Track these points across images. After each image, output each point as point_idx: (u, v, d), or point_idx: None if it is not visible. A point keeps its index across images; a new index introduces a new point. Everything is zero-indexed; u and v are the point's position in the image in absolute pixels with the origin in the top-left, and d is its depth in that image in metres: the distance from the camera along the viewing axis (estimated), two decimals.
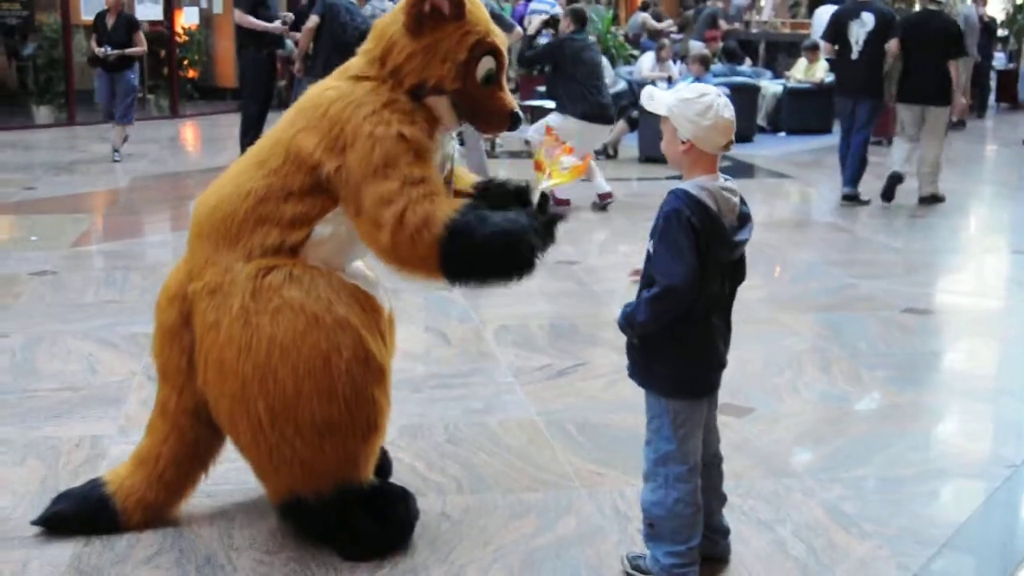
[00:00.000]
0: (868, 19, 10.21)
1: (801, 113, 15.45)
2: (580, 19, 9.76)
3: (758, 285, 7.15)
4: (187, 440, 3.56)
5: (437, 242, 3.17)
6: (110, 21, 12.22)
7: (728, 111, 3.04)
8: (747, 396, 4.97)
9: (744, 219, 3.13)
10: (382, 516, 3.48)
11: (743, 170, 12.47)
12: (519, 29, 9.62)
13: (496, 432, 4.52)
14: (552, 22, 10.64)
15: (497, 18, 8.86)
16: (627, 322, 3.13)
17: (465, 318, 6.19)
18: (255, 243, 3.34)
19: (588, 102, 9.26)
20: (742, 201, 3.14)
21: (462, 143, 9.31)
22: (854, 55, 10.24)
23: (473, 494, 3.95)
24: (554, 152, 3.34)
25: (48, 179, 10.95)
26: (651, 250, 3.07)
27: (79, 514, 3.59)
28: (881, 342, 5.97)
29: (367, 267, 3.72)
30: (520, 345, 5.72)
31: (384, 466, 3.87)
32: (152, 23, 16.93)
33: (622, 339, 5.50)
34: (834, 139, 14.72)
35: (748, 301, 6.57)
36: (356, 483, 3.42)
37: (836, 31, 10.49)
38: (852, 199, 10.29)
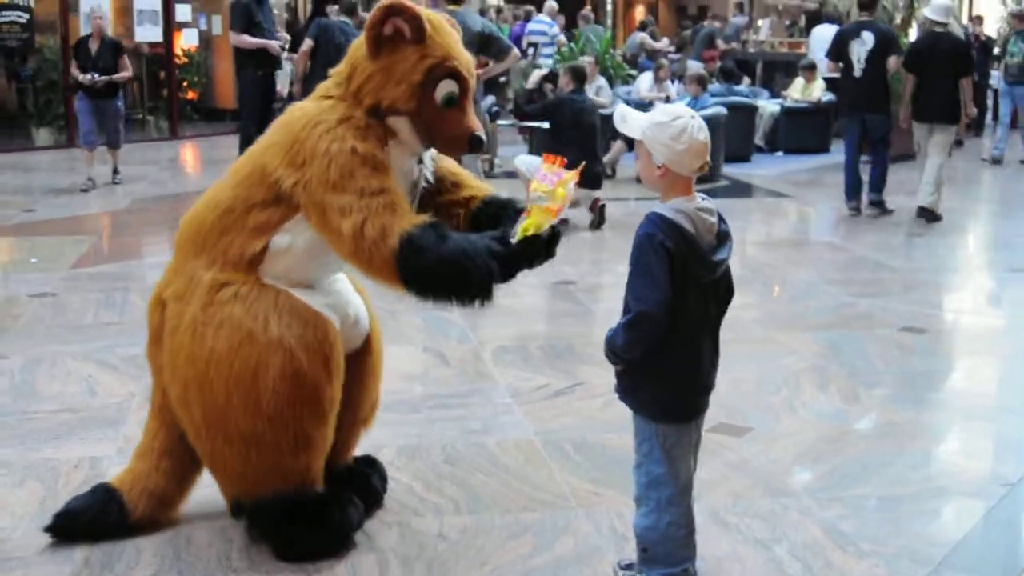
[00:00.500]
0: (868, 38, 10.53)
1: (798, 132, 15.48)
2: (580, 77, 9.82)
3: (756, 304, 7.17)
4: (175, 434, 3.70)
5: (392, 255, 3.25)
6: (94, 46, 11.81)
7: (702, 133, 3.03)
8: (744, 415, 4.98)
9: (723, 238, 3.12)
10: (316, 522, 3.58)
11: (741, 189, 12.50)
12: (516, 52, 9.64)
13: (494, 452, 4.53)
14: (551, 77, 10.69)
15: (495, 40, 8.95)
16: (610, 348, 3.14)
17: (463, 339, 6.20)
18: (218, 251, 3.50)
19: (585, 170, 9.33)
20: (721, 220, 3.13)
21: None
22: (856, 73, 10.60)
23: (470, 514, 3.95)
24: (558, 175, 3.27)
25: (47, 201, 10.97)
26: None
27: (88, 509, 3.70)
28: (879, 361, 5.98)
29: (348, 283, 3.83)
30: (518, 365, 5.73)
31: (368, 484, 3.94)
32: (151, 45, 16.99)
33: None
34: (832, 158, 14.84)
35: (745, 321, 6.60)
36: (290, 492, 3.53)
37: (839, 50, 10.86)
38: (879, 205, 10.75)
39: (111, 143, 12.04)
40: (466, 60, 3.51)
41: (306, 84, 10.48)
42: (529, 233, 3.24)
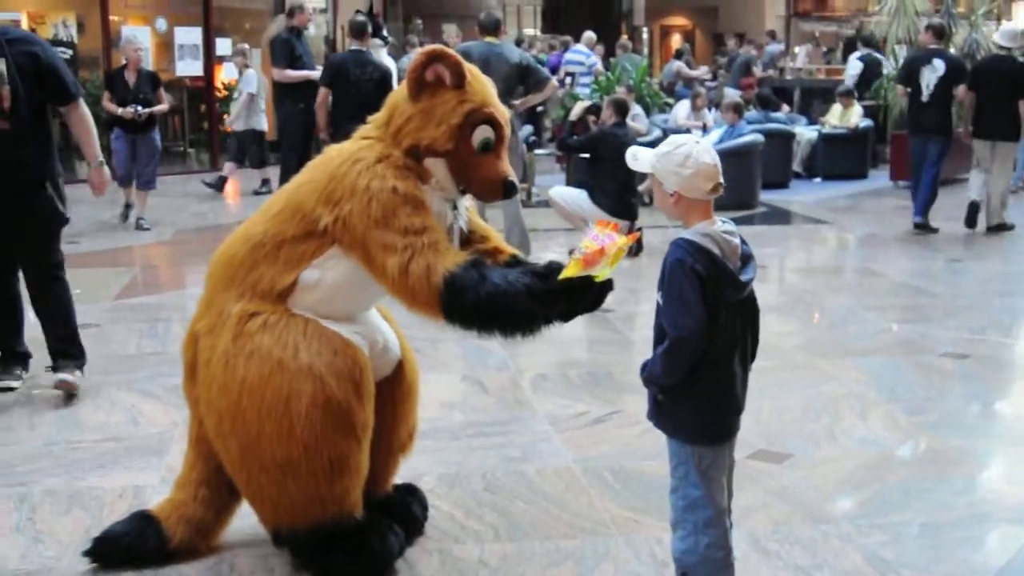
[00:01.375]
0: (939, 65, 11.11)
1: (836, 158, 15.43)
2: (622, 111, 9.87)
3: (796, 331, 7.15)
4: (211, 465, 3.75)
5: (437, 293, 3.32)
6: (131, 78, 11.20)
7: (708, 156, 3.06)
8: (784, 442, 4.97)
9: (746, 259, 3.15)
10: (357, 550, 3.60)
11: (779, 216, 12.47)
12: (554, 82, 9.68)
13: (533, 480, 4.54)
14: (594, 109, 10.70)
15: (533, 70, 9.01)
16: (649, 378, 3.18)
17: (502, 367, 6.22)
18: (247, 285, 3.56)
19: (621, 202, 9.46)
20: (743, 241, 3.16)
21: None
22: (925, 98, 11.12)
23: (511, 542, 3.96)
24: (611, 238, 3.21)
25: (91, 233, 11.08)
26: (660, 302, 3.11)
27: (126, 534, 3.76)
28: (920, 387, 5.95)
29: (379, 315, 3.88)
30: (557, 393, 5.74)
31: (409, 511, 3.97)
32: (192, 78, 17.17)
33: None
34: (870, 184, 14.83)
35: (786, 347, 6.59)
36: (329, 520, 3.55)
37: (909, 75, 11.41)
38: (923, 227, 11.08)
39: (144, 183, 11.36)
40: (502, 110, 3.60)
41: (331, 125, 10.07)
42: (566, 276, 3.26)
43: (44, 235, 5.77)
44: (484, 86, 3.59)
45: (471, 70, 3.56)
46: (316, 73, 11.30)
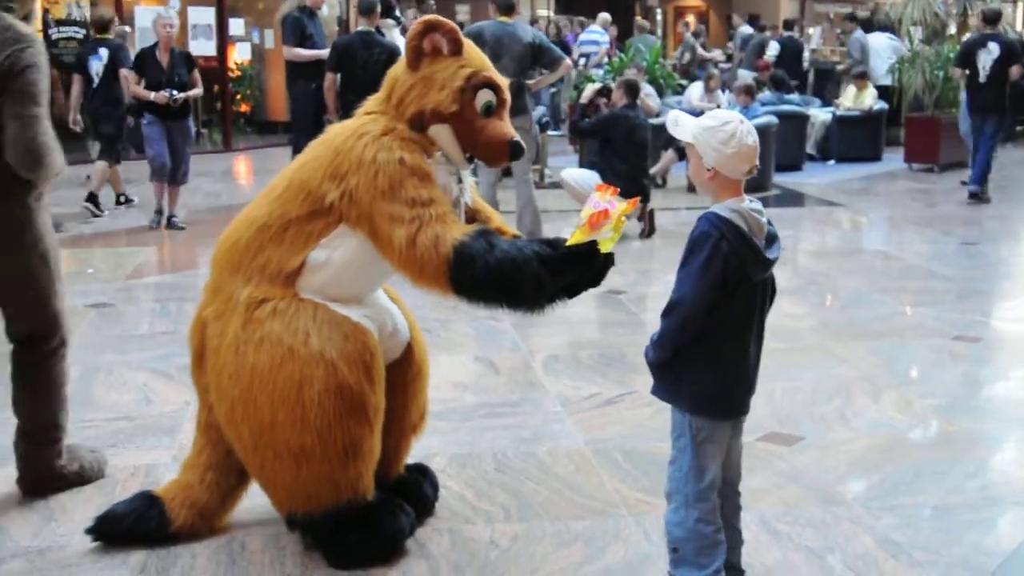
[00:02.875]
0: (994, 48, 12.02)
1: (850, 141, 15.39)
2: (633, 92, 9.85)
3: (808, 313, 7.14)
4: (220, 450, 3.76)
5: (446, 263, 3.31)
6: (163, 59, 10.22)
7: (751, 137, 3.06)
8: (796, 424, 4.96)
9: (772, 239, 3.15)
10: (368, 529, 3.62)
11: (792, 198, 12.44)
12: (568, 62, 9.64)
13: (544, 461, 4.54)
14: (604, 91, 10.67)
15: (546, 50, 8.98)
16: (650, 346, 3.18)
17: (514, 347, 6.22)
18: (255, 269, 3.56)
19: (633, 183, 9.39)
20: (769, 222, 3.16)
21: (509, 174, 9.37)
22: (982, 79, 12.06)
23: (521, 522, 3.97)
24: (611, 204, 3.22)
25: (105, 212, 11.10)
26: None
27: (128, 514, 3.78)
28: (932, 370, 5.94)
29: (387, 297, 3.87)
30: (568, 374, 5.74)
31: (420, 491, 3.98)
32: (205, 59, 17.18)
33: None
34: (884, 166, 14.79)
35: (798, 329, 6.58)
36: (343, 504, 3.56)
37: (966, 58, 12.33)
38: (978, 197, 11.86)
39: (180, 178, 10.48)
40: (497, 75, 3.62)
41: (342, 108, 9.69)
42: (573, 243, 3.26)
43: None
44: (479, 53, 3.64)
45: (466, 40, 3.60)
46: (327, 52, 11.26)
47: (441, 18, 3.56)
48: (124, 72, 10.75)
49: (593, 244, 3.24)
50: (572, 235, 3.27)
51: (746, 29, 20.74)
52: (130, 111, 11.13)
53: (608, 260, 3.36)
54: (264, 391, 3.46)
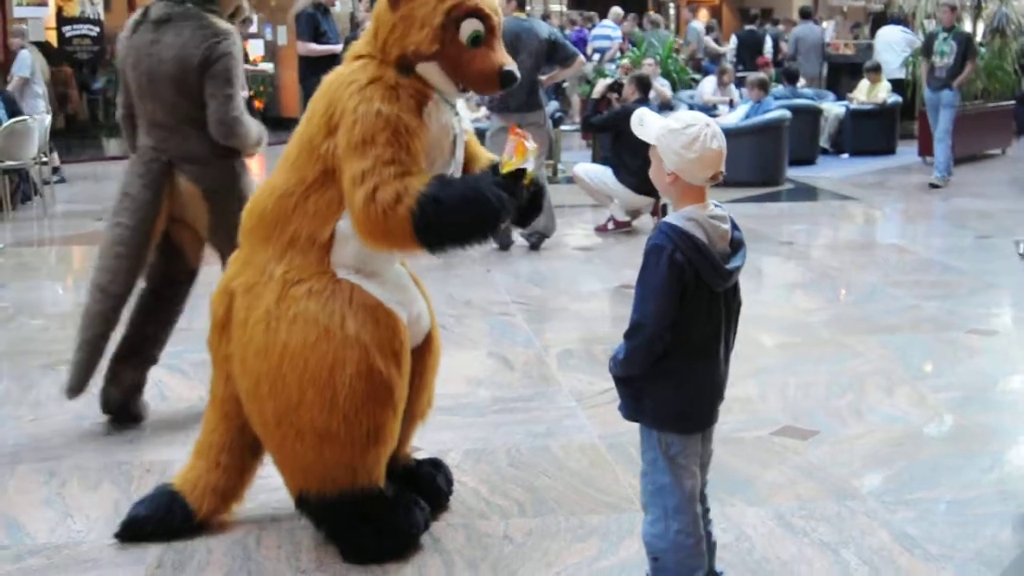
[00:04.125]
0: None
1: (864, 134, 15.36)
2: (644, 87, 9.84)
3: (822, 307, 7.14)
4: (234, 425, 3.74)
5: (410, 216, 3.31)
6: None
7: (716, 142, 2.94)
8: (810, 419, 4.96)
9: (737, 245, 3.05)
10: (381, 523, 3.62)
11: (806, 192, 12.42)
12: (582, 57, 9.63)
13: (558, 455, 4.54)
14: (616, 87, 10.65)
15: (561, 46, 8.96)
16: (615, 362, 3.09)
17: (527, 343, 6.23)
18: (285, 241, 3.53)
19: (645, 179, 9.39)
20: (735, 227, 3.06)
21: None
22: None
23: (536, 517, 3.97)
24: (520, 144, 3.45)
25: None
26: None
27: (154, 514, 3.77)
28: (947, 363, 5.93)
29: (411, 279, 3.88)
30: (582, 369, 5.74)
31: (434, 485, 3.98)
32: None
33: None
34: (898, 160, 14.70)
35: (811, 324, 6.57)
36: (358, 489, 3.56)
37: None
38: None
39: None
40: (488, 0, 3.52)
41: None
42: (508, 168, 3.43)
43: None
44: None
45: None
46: (340, 48, 11.27)
47: None
48: None
49: (521, 170, 3.44)
50: (503, 167, 3.46)
51: (697, 24, 20.71)
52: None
53: (539, 191, 3.59)
54: (294, 369, 3.45)
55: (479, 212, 3.38)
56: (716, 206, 3.05)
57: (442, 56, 3.45)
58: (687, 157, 2.93)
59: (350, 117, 3.38)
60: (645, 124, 3.07)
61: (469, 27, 3.44)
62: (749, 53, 17.58)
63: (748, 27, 19.36)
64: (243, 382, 3.59)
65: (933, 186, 12.32)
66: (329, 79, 3.57)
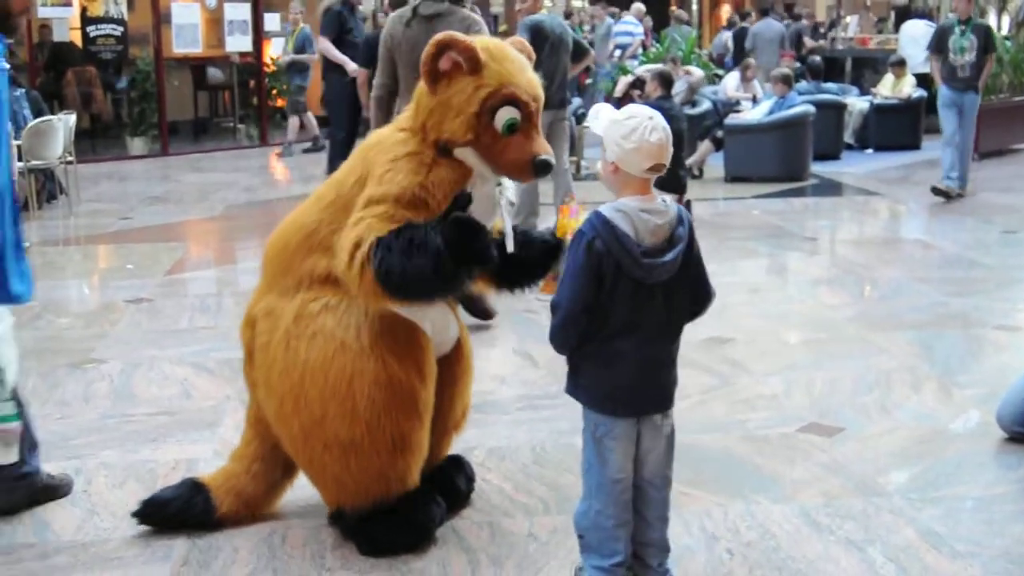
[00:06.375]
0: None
1: (888, 129, 15.27)
2: (667, 83, 9.80)
3: (847, 303, 7.11)
4: (267, 443, 3.82)
5: (373, 266, 3.30)
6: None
7: (655, 135, 2.99)
8: (836, 415, 4.94)
9: (674, 241, 3.07)
10: (397, 517, 3.64)
11: (830, 188, 12.37)
12: (593, 53, 9.59)
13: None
14: (638, 83, 10.61)
15: (577, 42, 8.93)
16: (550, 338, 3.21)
17: None
18: (304, 272, 3.60)
19: (669, 175, 9.33)
20: (680, 223, 3.09)
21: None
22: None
23: (560, 515, 3.96)
24: (574, 210, 3.50)
25: (143, 208, 11.19)
26: None
27: (175, 500, 3.84)
28: (973, 360, 5.90)
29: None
30: None
31: (452, 483, 3.98)
32: (242, 54, 17.25)
33: (710, 360, 5.51)
34: (923, 155, 14.60)
35: (837, 320, 6.55)
36: (393, 498, 3.60)
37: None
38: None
39: None
40: (527, 85, 3.50)
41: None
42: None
43: None
44: (506, 64, 3.49)
45: (491, 50, 3.48)
46: (352, 66, 10.97)
47: (455, 35, 3.45)
48: None
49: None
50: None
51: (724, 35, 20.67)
52: None
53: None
54: (315, 385, 3.49)
55: (419, 254, 3.29)
56: (663, 201, 3.11)
57: (477, 144, 3.46)
58: (625, 147, 3.01)
59: (373, 181, 3.45)
60: (599, 117, 3.16)
61: (505, 115, 3.44)
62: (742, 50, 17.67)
63: (741, 24, 19.41)
64: (269, 404, 3.65)
65: (943, 193, 11.04)
66: (372, 140, 3.64)
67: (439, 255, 3.28)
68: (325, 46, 11.25)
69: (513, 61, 3.53)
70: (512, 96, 3.44)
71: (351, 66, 11.00)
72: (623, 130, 3.01)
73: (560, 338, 3.15)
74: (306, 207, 3.70)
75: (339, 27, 11.29)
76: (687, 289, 3.16)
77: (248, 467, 3.86)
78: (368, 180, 3.49)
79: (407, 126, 3.59)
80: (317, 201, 3.67)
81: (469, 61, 3.41)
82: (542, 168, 3.49)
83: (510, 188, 3.67)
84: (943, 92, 11.17)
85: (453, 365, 3.87)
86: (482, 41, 3.52)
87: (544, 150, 3.50)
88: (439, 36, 3.45)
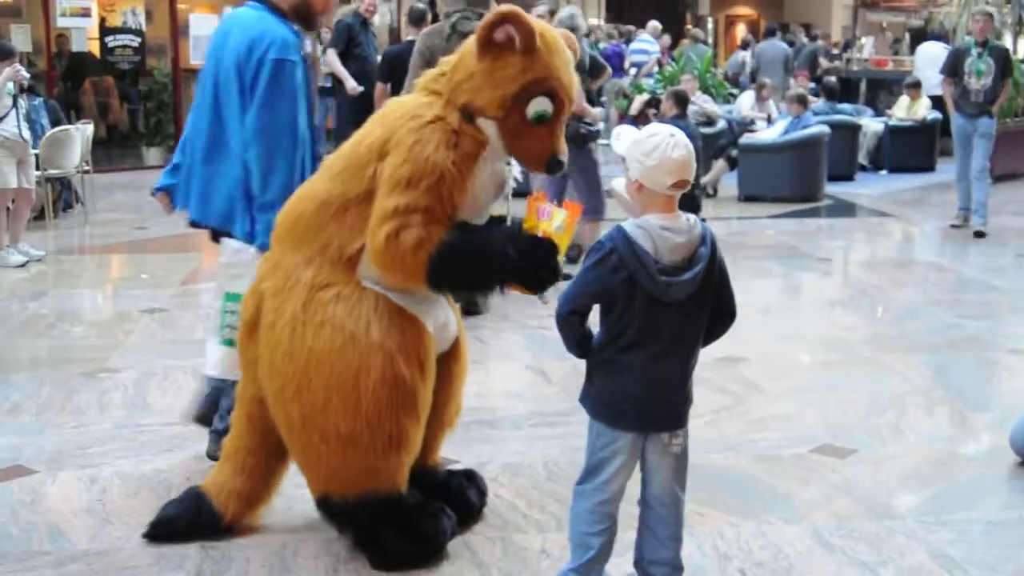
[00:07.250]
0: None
1: (903, 151, 15.27)
2: (682, 102, 9.80)
3: (861, 324, 7.10)
4: (258, 429, 3.78)
5: (427, 260, 3.36)
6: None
7: (677, 151, 3.02)
8: (849, 437, 4.93)
9: (695, 261, 3.08)
10: (408, 530, 3.64)
11: (844, 209, 12.36)
12: (609, 70, 9.61)
13: None
14: (653, 102, 10.62)
15: (591, 60, 8.95)
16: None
17: (565, 356, 6.17)
18: (316, 249, 3.56)
19: (683, 195, 9.34)
20: (703, 242, 3.10)
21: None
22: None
23: None
24: (544, 211, 3.46)
25: (158, 219, 11.18)
26: None
27: (183, 514, 3.85)
28: (987, 383, 5.89)
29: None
30: None
31: (464, 497, 3.99)
32: None
33: (723, 379, 5.50)
34: (937, 177, 14.59)
35: (851, 342, 6.54)
36: (380, 493, 3.59)
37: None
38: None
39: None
40: (568, 83, 3.51)
41: None
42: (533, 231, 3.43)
43: None
44: (556, 57, 3.47)
45: (546, 38, 3.46)
46: (351, 84, 11.00)
47: (519, 10, 3.41)
48: None
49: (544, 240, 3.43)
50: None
51: (740, 55, 20.71)
52: None
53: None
54: (320, 374, 3.48)
55: (487, 265, 3.43)
56: (688, 220, 3.12)
57: (503, 122, 3.46)
58: (647, 164, 3.04)
59: (402, 153, 3.41)
60: (621, 138, 3.18)
61: (539, 105, 3.44)
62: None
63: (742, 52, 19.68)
64: (270, 384, 3.63)
65: (979, 234, 10.47)
66: (393, 106, 3.61)
67: (509, 269, 3.40)
68: (331, 59, 11.24)
69: (562, 55, 3.52)
70: (552, 89, 3.45)
71: (350, 83, 11.02)
72: (646, 148, 3.04)
73: (563, 337, 3.24)
74: (316, 177, 3.67)
75: (348, 40, 11.28)
76: (706, 309, 3.17)
77: (242, 465, 3.83)
78: (393, 146, 3.44)
79: (432, 87, 3.58)
80: (328, 170, 3.62)
81: (525, 41, 3.39)
82: (556, 166, 3.53)
83: (516, 168, 3.69)
84: (956, 122, 10.70)
85: (451, 364, 3.87)
86: (541, 26, 3.49)
87: (562, 150, 3.53)
88: (503, 7, 3.42)
